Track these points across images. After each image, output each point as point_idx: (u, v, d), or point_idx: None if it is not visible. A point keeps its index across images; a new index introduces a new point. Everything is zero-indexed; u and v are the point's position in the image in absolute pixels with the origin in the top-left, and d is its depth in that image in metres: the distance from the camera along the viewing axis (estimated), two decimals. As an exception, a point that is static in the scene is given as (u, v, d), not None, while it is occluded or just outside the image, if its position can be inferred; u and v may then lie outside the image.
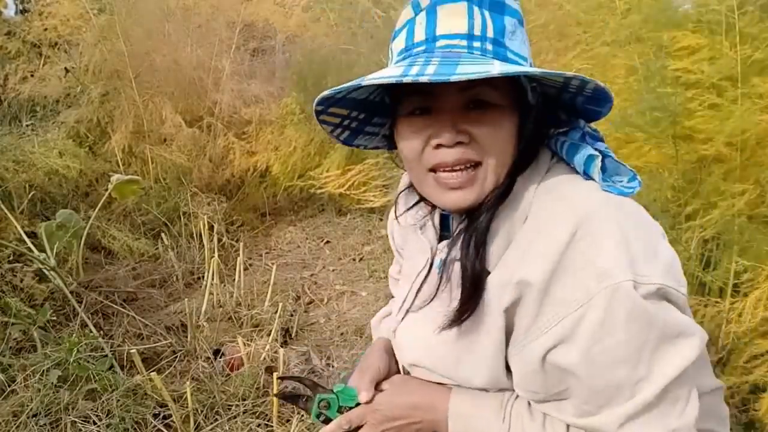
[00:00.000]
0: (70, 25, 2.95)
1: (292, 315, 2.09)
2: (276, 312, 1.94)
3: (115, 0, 2.91)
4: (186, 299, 2.10)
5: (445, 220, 0.76)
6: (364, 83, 0.58)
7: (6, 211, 2.17)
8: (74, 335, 1.61)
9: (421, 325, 0.73)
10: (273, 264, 2.44)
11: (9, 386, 1.48)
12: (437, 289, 0.69)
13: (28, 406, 1.40)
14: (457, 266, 0.67)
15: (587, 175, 0.63)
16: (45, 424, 1.37)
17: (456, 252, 0.67)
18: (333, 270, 2.57)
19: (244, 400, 1.55)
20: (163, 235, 2.62)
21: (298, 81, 3.09)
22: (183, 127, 2.91)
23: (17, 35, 3.49)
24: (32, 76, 3.20)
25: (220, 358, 1.74)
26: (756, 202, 1.43)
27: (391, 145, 0.75)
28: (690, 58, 1.49)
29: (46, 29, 2.99)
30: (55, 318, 1.79)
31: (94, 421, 1.39)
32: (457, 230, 0.68)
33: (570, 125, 0.67)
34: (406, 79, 0.55)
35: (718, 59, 1.44)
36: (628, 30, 1.59)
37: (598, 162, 0.61)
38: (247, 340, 1.80)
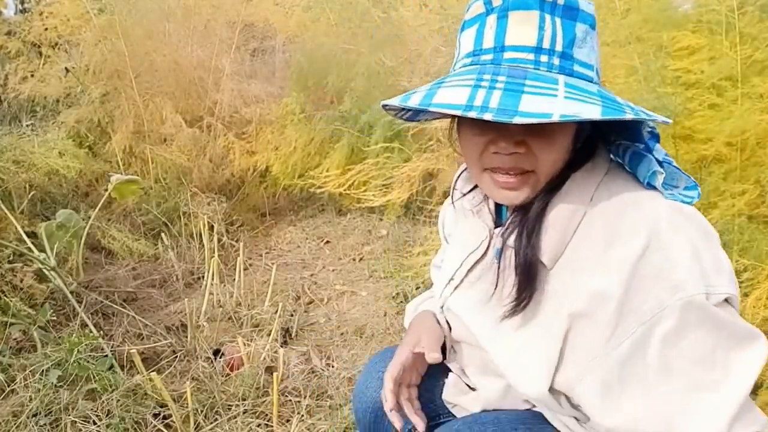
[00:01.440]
0: (70, 25, 2.94)
1: (292, 315, 2.09)
2: (276, 312, 1.94)
3: (115, 0, 2.91)
4: (186, 299, 2.10)
5: (500, 204, 0.79)
6: (430, 108, 0.60)
7: (6, 211, 2.17)
8: (74, 335, 1.61)
9: (472, 305, 0.77)
10: (273, 264, 2.44)
11: (9, 386, 1.48)
12: (496, 277, 0.72)
13: (28, 406, 1.40)
14: (510, 253, 0.70)
15: (649, 185, 0.65)
16: (45, 424, 1.37)
17: (511, 240, 0.70)
18: (333, 270, 2.57)
19: (244, 400, 1.55)
20: (163, 235, 2.62)
21: (298, 81, 3.08)
22: (183, 127, 2.91)
23: (17, 35, 3.49)
24: (32, 76, 3.19)
25: (220, 358, 1.74)
26: (756, 202, 1.44)
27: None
28: (690, 58, 1.49)
29: (46, 29, 2.99)
30: (55, 318, 1.79)
31: (94, 421, 1.39)
32: (511, 220, 0.72)
33: (629, 129, 0.68)
34: (470, 114, 0.56)
35: (718, 59, 1.44)
36: (628, 30, 1.59)
37: (660, 178, 0.63)
38: (247, 340, 1.80)
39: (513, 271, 0.69)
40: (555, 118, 0.54)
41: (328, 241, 2.91)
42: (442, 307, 0.84)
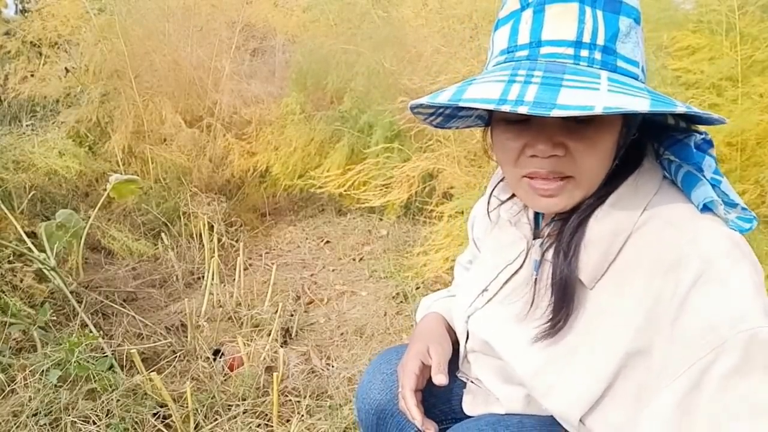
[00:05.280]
0: (70, 25, 2.95)
1: (292, 315, 2.09)
2: (276, 312, 1.93)
3: (115, 0, 2.91)
4: (186, 299, 2.10)
5: (539, 216, 0.75)
6: (461, 103, 0.56)
7: (6, 211, 2.17)
8: (74, 335, 1.61)
9: (504, 320, 0.73)
10: (273, 264, 2.43)
11: (9, 386, 1.48)
12: (533, 292, 0.68)
13: (28, 405, 1.40)
14: (548, 267, 0.67)
15: (706, 208, 0.59)
16: (45, 424, 1.37)
17: (549, 254, 0.67)
18: (333, 270, 2.57)
19: (244, 400, 1.55)
20: (163, 235, 2.62)
21: (297, 81, 3.08)
22: (183, 127, 2.91)
23: (17, 35, 3.49)
24: (32, 76, 3.20)
25: (220, 358, 1.74)
26: (756, 202, 1.44)
27: (487, 123, 0.74)
28: (690, 58, 1.49)
29: (45, 29, 2.99)
30: (55, 318, 1.79)
31: (94, 421, 1.39)
32: (549, 232, 0.69)
33: (680, 131, 0.63)
34: (504, 107, 0.52)
35: (718, 59, 1.44)
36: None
37: (720, 208, 0.58)
38: (247, 340, 1.80)
39: (550, 288, 0.65)
40: (598, 110, 0.49)
41: (328, 241, 2.91)
42: (469, 317, 0.80)
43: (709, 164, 0.60)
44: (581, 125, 0.58)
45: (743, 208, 0.59)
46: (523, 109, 0.50)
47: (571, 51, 0.56)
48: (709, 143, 0.61)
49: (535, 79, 0.54)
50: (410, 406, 0.77)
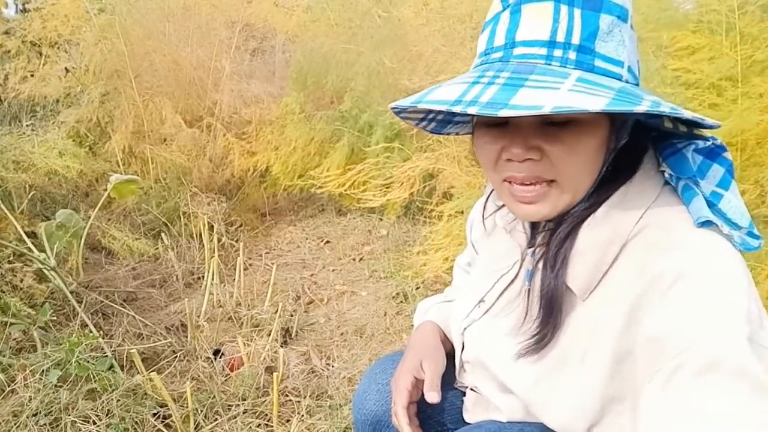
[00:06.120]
0: (71, 25, 2.95)
1: (292, 315, 2.09)
2: (276, 312, 1.94)
3: (115, 0, 2.91)
4: (186, 299, 2.10)
5: (535, 224, 0.72)
6: (419, 106, 0.56)
7: (6, 211, 2.17)
8: (74, 335, 1.61)
9: (498, 334, 0.71)
10: (273, 264, 2.44)
11: (9, 386, 1.48)
12: (526, 304, 0.67)
13: (28, 406, 1.40)
14: (538, 278, 0.65)
15: (704, 225, 0.56)
16: (45, 424, 1.37)
17: (540, 264, 0.65)
18: (333, 270, 2.57)
19: (244, 400, 1.55)
20: (163, 235, 2.62)
21: (298, 81, 3.09)
22: (183, 127, 2.91)
23: (17, 34, 3.49)
24: (32, 76, 3.20)
25: (220, 358, 1.74)
26: (756, 202, 1.43)
27: None
28: (690, 58, 1.49)
29: (45, 29, 3.00)
30: (55, 318, 1.79)
31: (94, 421, 1.39)
32: (540, 240, 0.67)
33: (683, 137, 0.60)
34: (456, 108, 0.51)
35: (717, 59, 1.44)
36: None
37: (721, 228, 0.55)
38: (247, 340, 1.80)
39: (538, 298, 0.63)
40: (546, 110, 0.47)
41: (328, 241, 2.91)
42: (465, 329, 0.78)
43: (714, 174, 0.57)
44: (558, 128, 0.57)
45: (748, 231, 0.56)
46: (472, 110, 0.50)
47: (543, 51, 0.55)
48: (720, 148, 0.58)
49: (499, 80, 0.53)
50: (402, 425, 0.77)
